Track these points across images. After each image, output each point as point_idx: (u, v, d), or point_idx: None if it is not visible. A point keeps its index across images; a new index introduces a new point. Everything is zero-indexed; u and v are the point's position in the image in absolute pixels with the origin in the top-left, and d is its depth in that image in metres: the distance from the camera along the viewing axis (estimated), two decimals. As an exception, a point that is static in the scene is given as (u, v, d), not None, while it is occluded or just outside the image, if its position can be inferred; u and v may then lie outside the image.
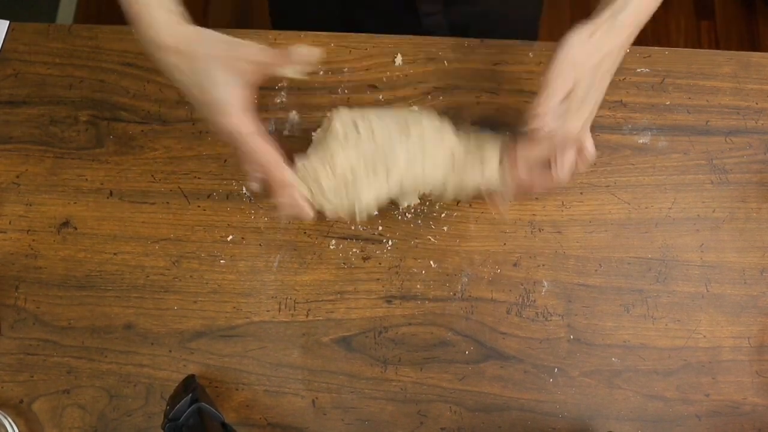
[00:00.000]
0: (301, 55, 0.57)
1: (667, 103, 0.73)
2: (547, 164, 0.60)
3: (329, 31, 0.75)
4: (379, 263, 0.68)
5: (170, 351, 0.66)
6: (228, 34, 0.56)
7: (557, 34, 0.57)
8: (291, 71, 0.57)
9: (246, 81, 0.56)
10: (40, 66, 0.74)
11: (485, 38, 0.74)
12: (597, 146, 0.70)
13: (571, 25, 0.56)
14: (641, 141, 0.71)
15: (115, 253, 0.69)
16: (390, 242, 0.69)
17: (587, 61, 0.56)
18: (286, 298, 0.67)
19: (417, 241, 0.69)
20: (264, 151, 0.57)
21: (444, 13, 0.83)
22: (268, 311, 0.67)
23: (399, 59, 0.74)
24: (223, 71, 0.55)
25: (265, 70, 0.57)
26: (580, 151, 0.60)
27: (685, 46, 1.70)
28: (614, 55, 0.57)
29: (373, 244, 0.68)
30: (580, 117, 0.57)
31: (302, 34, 0.74)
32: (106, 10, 1.78)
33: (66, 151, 0.72)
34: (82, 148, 0.72)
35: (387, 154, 0.59)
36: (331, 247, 0.69)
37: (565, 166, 0.60)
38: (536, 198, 0.70)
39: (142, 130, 0.72)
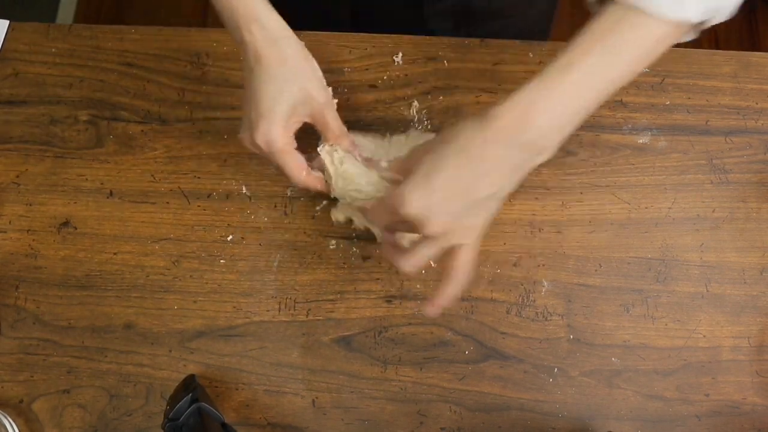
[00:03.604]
0: (353, 148, 0.63)
1: (667, 103, 0.73)
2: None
3: None
4: (379, 263, 0.68)
5: (170, 351, 0.66)
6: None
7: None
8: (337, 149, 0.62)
9: (302, 113, 0.59)
10: (40, 66, 0.74)
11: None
12: (597, 146, 0.71)
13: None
14: (641, 141, 0.71)
15: (115, 253, 0.69)
16: (390, 242, 0.68)
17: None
18: (286, 298, 0.67)
19: (417, 240, 0.68)
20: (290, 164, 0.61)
21: (455, 30, 0.82)
22: (268, 311, 0.67)
23: (399, 59, 0.74)
24: (294, 86, 0.58)
25: (319, 124, 0.61)
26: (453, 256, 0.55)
27: (685, 46, 1.69)
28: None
29: (372, 243, 0.68)
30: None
31: (302, 34, 0.74)
32: (106, 10, 1.78)
33: (66, 151, 0.72)
34: (82, 147, 0.72)
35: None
36: (331, 246, 0.69)
37: (415, 255, 0.54)
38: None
39: (142, 130, 0.72)
